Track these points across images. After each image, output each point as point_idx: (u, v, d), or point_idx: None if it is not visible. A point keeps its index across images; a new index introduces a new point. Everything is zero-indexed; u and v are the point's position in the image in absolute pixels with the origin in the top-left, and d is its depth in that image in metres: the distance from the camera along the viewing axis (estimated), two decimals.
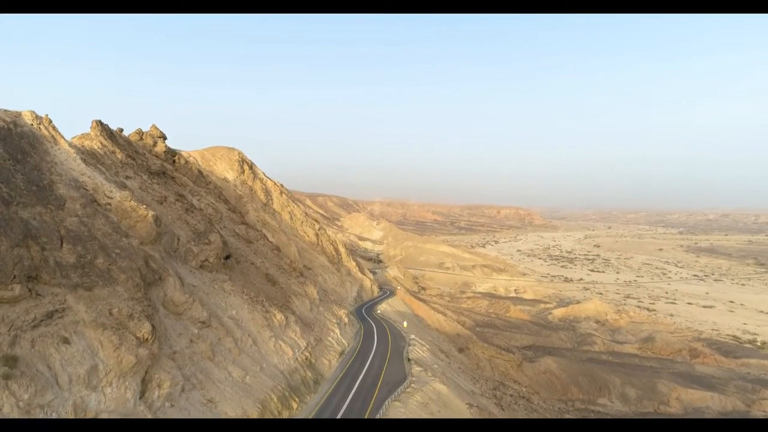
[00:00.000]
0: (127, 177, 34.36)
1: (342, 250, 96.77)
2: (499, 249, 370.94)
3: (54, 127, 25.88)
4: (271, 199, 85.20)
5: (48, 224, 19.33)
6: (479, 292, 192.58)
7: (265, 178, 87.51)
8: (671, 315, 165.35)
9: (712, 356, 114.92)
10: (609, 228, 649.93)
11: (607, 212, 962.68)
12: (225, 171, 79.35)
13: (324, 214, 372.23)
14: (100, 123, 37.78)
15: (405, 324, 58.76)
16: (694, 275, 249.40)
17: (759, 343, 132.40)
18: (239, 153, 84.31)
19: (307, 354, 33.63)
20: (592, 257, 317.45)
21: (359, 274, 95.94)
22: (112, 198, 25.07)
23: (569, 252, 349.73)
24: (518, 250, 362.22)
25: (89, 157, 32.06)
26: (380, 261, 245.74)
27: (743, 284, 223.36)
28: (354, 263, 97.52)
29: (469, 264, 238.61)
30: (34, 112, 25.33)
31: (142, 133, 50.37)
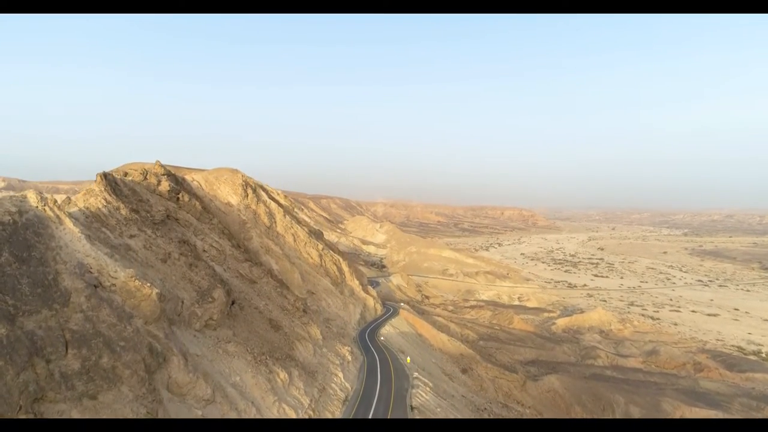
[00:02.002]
0: (132, 236, 34.63)
1: (346, 269, 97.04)
2: (502, 252, 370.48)
3: (59, 207, 26.11)
4: (275, 222, 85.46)
5: (53, 330, 19.53)
6: (483, 300, 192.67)
7: (268, 200, 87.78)
8: (675, 324, 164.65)
9: (716, 370, 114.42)
10: (613, 229, 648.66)
11: (610, 212, 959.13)
12: (229, 195, 79.61)
13: (327, 216, 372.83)
14: (104, 177, 38.03)
15: (408, 360, 58.97)
16: (699, 280, 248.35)
17: (764, 355, 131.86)
18: (243, 176, 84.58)
19: (311, 413, 33.86)
20: (595, 261, 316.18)
21: (362, 294, 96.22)
22: (116, 279, 25.29)
23: (573, 255, 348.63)
24: (522, 254, 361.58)
25: (94, 220, 32.34)
26: (383, 266, 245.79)
27: (748, 290, 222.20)
28: (357, 282, 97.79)
29: (472, 270, 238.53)
30: (40, 193, 25.58)
31: (146, 172, 50.66)
